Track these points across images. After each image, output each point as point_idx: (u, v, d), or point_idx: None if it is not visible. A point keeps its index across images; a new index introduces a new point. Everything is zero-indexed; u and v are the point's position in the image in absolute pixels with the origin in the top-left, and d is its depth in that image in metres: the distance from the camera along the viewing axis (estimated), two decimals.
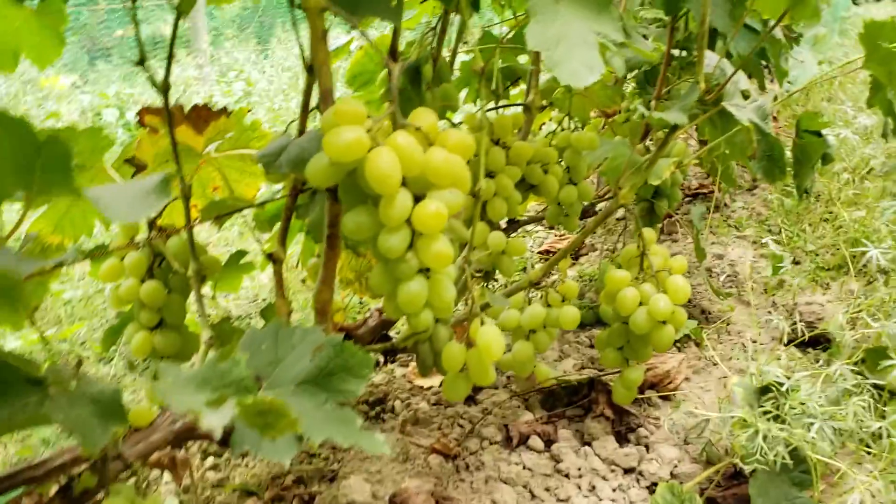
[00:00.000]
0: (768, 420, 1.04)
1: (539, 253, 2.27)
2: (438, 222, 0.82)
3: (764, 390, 1.10)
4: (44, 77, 4.00)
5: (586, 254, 2.28)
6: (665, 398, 1.46)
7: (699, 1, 1.15)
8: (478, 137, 1.33)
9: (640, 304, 1.19)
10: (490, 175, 1.35)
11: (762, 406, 1.07)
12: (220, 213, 1.07)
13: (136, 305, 1.13)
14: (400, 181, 0.80)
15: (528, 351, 1.32)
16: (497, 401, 1.46)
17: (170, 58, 1.05)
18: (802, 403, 1.02)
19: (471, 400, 1.48)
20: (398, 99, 1.17)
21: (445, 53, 1.38)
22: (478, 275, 1.45)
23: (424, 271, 0.88)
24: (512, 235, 2.28)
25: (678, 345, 1.67)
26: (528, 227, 2.52)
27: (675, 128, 1.15)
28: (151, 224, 1.13)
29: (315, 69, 0.88)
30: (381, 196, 0.81)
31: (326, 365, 0.87)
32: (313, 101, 1.07)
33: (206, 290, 1.34)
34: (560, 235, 2.44)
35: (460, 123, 1.39)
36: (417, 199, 0.85)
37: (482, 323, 1.02)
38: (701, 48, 1.17)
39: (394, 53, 1.17)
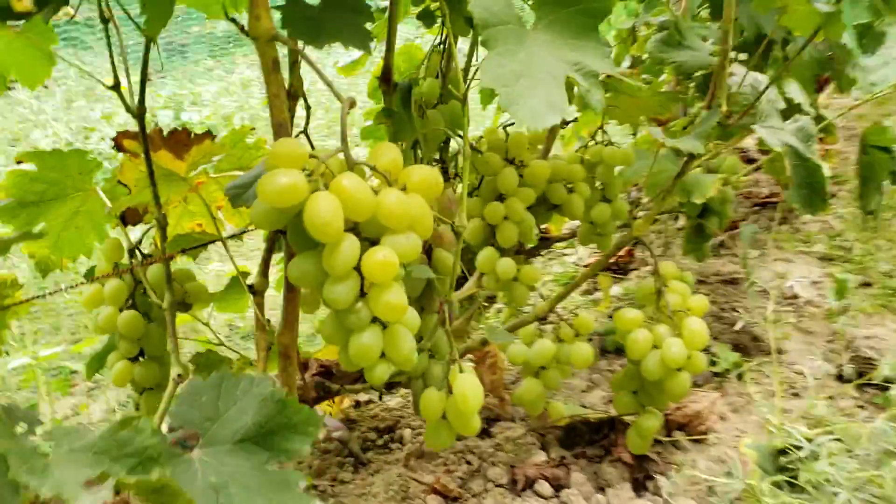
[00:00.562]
0: (784, 489, 0.92)
1: (584, 266, 2.16)
2: (387, 271, 0.75)
3: (784, 451, 0.98)
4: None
5: (636, 268, 2.16)
6: (696, 440, 1.35)
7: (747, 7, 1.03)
8: (487, 157, 1.26)
9: (655, 346, 1.09)
10: (501, 198, 1.26)
11: (780, 472, 0.96)
12: (185, 248, 1.02)
13: (116, 334, 1.09)
14: (341, 228, 0.73)
15: (537, 389, 1.23)
16: (512, 436, 1.37)
17: (143, 81, 1.00)
18: (826, 478, 0.90)
19: (484, 433, 1.40)
20: (393, 124, 1.10)
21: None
22: (485, 304, 1.36)
23: (379, 321, 0.80)
24: (544, 252, 2.17)
25: (718, 379, 1.54)
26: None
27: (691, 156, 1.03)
28: (132, 251, 1.09)
29: (269, 100, 0.81)
30: (325, 244, 0.74)
31: (266, 422, 0.80)
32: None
33: (207, 312, 1.30)
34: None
35: (481, 138, 1.31)
36: (374, 243, 0.78)
37: (460, 370, 0.94)
38: (722, 64, 1.05)
39: (387, 76, 1.09)
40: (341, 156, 0.77)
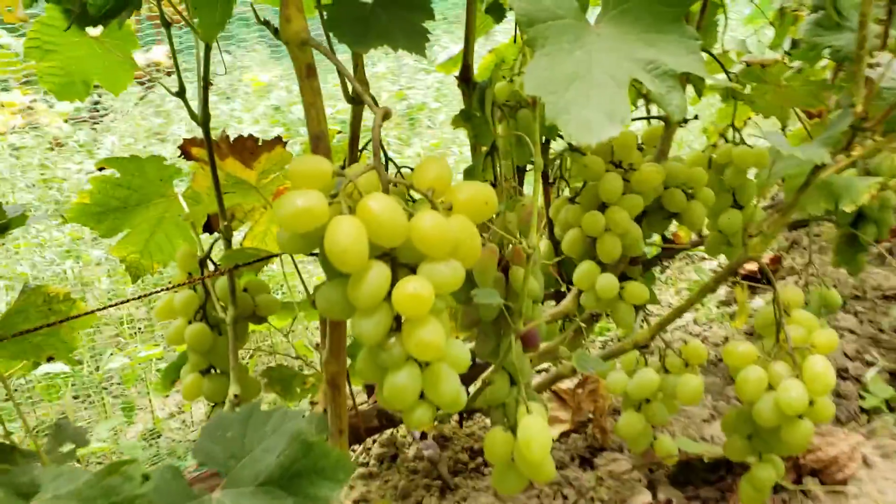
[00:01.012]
0: None
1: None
2: (419, 305, 0.65)
3: None
4: (250, 74, 4.16)
5: (782, 278, 1.93)
6: (832, 491, 1.16)
7: None
8: (588, 160, 1.13)
9: (770, 388, 0.93)
10: (603, 207, 1.12)
11: None
12: (239, 263, 0.96)
13: (187, 347, 1.06)
14: (365, 255, 0.63)
15: (638, 424, 1.09)
16: (616, 470, 1.24)
17: (205, 86, 0.96)
18: None
19: (586, 463, 1.28)
20: (473, 127, 1.00)
21: None
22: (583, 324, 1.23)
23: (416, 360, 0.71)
24: (677, 257, 1.99)
25: (866, 416, 1.33)
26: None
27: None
28: (202, 261, 1.05)
29: (304, 109, 0.73)
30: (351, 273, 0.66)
31: (292, 465, 0.73)
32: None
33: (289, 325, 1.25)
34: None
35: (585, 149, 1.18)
36: (413, 270, 0.69)
37: (527, 410, 0.83)
38: (859, 54, 0.87)
39: (466, 75, 0.99)
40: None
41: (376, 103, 0.68)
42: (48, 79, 1.05)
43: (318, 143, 0.73)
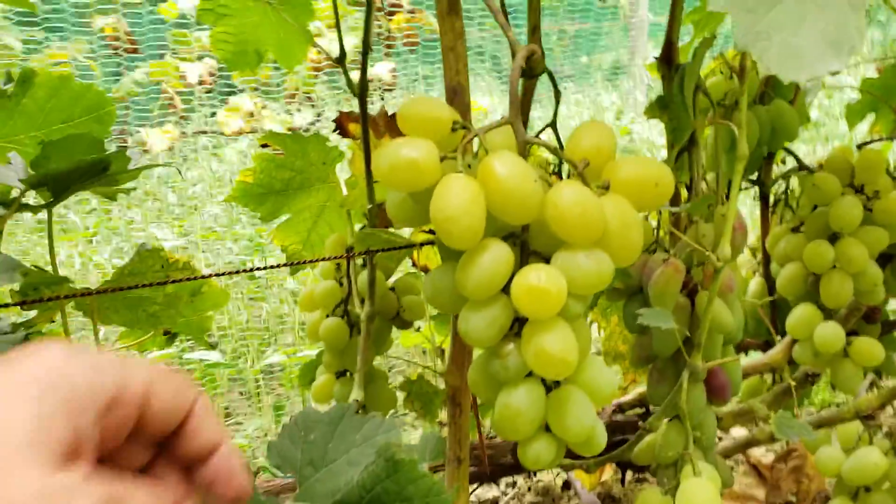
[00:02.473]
0: None
1: None
2: (544, 302, 0.50)
3: None
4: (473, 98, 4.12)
5: None
6: None
7: None
8: (820, 179, 0.91)
9: None
10: (833, 238, 0.90)
11: None
12: (372, 248, 0.85)
13: (323, 344, 0.96)
14: (479, 229, 0.49)
15: None
16: None
17: (365, 53, 0.86)
18: None
19: None
20: (670, 118, 0.84)
21: None
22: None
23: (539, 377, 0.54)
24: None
25: None
26: None
27: None
28: (350, 250, 0.95)
29: (443, 55, 0.60)
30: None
31: (374, 485, 0.59)
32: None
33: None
34: None
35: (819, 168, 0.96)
36: (547, 261, 0.53)
37: (694, 472, 0.64)
38: None
39: (668, 55, 0.82)
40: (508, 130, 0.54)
41: (513, 45, 0.54)
42: (221, 45, 1.01)
43: (455, 97, 0.60)
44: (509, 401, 0.54)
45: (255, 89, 3.54)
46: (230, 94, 3.59)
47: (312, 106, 3.72)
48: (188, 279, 0.77)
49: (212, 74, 3.57)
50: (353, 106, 0.91)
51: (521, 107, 0.80)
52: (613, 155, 0.55)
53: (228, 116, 3.38)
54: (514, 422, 0.54)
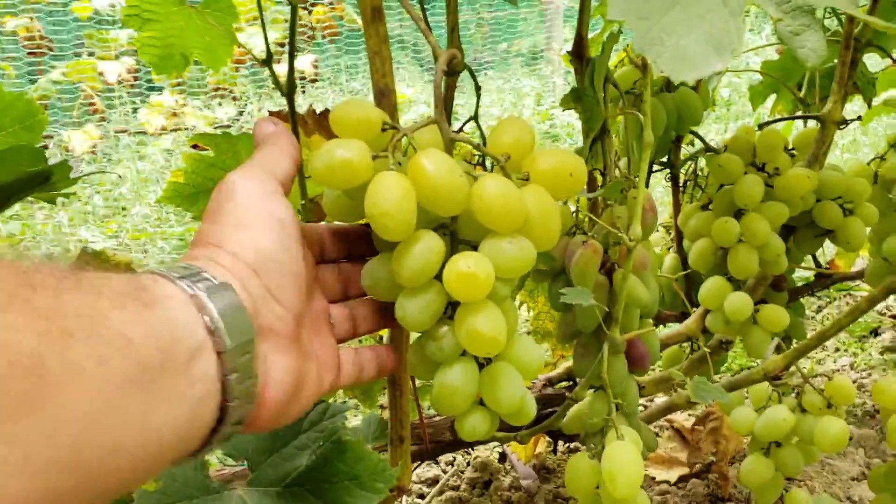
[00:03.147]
0: None
1: (892, 317, 1.71)
2: (472, 287, 0.54)
3: None
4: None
5: None
6: None
7: None
8: (724, 160, 0.98)
9: None
10: (739, 214, 0.97)
11: None
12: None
13: None
14: (411, 221, 0.53)
15: (765, 472, 0.92)
16: None
17: (291, 53, 0.89)
18: None
19: None
20: (584, 110, 0.89)
21: None
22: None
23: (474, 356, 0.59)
24: (819, 297, 1.76)
25: None
26: None
27: None
28: None
29: (369, 58, 0.64)
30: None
31: (323, 467, 0.63)
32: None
33: None
34: None
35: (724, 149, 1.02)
36: (476, 248, 0.58)
37: (618, 436, 0.70)
38: None
39: (579, 49, 0.87)
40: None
41: (435, 49, 0.58)
42: (147, 49, 1.02)
43: (383, 98, 0.63)
44: (445, 379, 0.58)
45: (177, 86, 3.50)
46: (152, 92, 3.53)
47: (235, 101, 3.69)
48: None
49: (131, 73, 3.51)
50: (277, 99, 0.93)
51: (445, 102, 0.84)
52: (532, 148, 0.60)
53: (150, 115, 3.33)
54: (451, 398, 0.58)
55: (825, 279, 1.26)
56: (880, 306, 1.79)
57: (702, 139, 1.04)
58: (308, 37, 3.75)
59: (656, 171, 1.08)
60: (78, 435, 0.34)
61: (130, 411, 0.37)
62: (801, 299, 1.25)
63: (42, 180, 0.61)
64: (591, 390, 0.84)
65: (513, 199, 0.54)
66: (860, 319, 1.68)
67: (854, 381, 1.50)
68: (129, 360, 0.36)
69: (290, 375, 0.49)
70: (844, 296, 1.87)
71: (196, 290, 0.43)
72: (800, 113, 1.24)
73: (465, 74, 0.78)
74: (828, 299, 1.88)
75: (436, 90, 0.57)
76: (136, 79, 3.48)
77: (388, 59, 0.64)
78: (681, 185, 1.10)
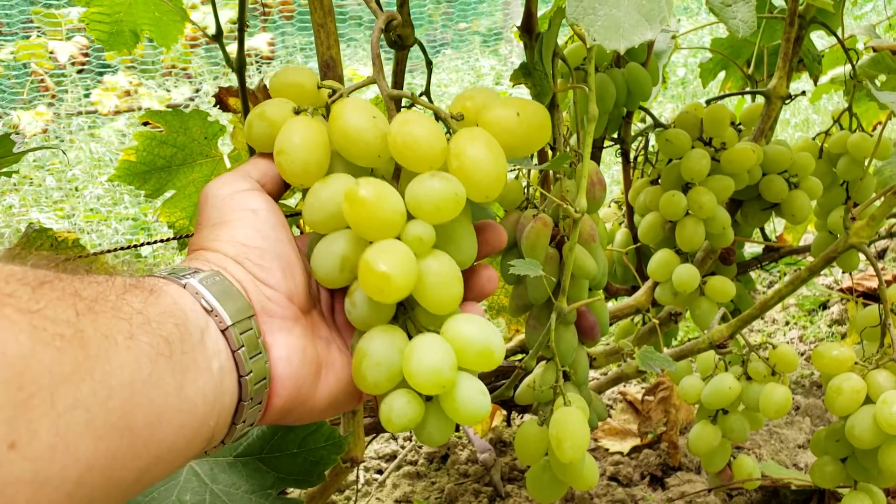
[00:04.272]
0: None
1: (840, 291, 1.75)
2: (370, 216, 0.50)
3: None
4: (353, 68, 4.13)
5: None
6: None
7: None
8: (672, 135, 0.99)
9: (868, 401, 0.77)
10: (686, 188, 0.98)
11: None
12: None
13: None
14: (318, 164, 0.53)
15: (712, 439, 0.94)
16: (689, 491, 1.09)
17: (241, 28, 0.88)
18: None
19: (657, 482, 1.13)
20: (534, 85, 0.89)
21: None
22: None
23: (401, 317, 0.56)
24: (768, 271, 1.80)
25: None
26: None
27: None
28: None
29: (314, 31, 0.64)
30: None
31: (273, 437, 0.64)
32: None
33: None
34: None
35: (671, 124, 1.04)
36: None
37: (565, 402, 0.71)
38: None
39: (528, 24, 0.88)
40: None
41: (375, 12, 0.59)
42: (95, 26, 1.01)
43: (328, 71, 0.64)
44: (365, 348, 0.53)
45: (131, 67, 3.44)
46: (104, 72, 3.47)
47: (190, 81, 3.64)
48: (77, 257, 0.78)
49: (83, 54, 3.44)
50: (232, 79, 0.93)
51: (396, 76, 0.85)
52: (485, 109, 0.57)
53: (103, 96, 3.28)
54: (372, 371, 0.52)
55: (773, 252, 1.29)
56: (829, 280, 1.84)
57: (651, 115, 1.06)
58: (263, 15, 3.72)
59: (608, 146, 1.09)
60: (126, 400, 0.37)
61: (165, 381, 0.40)
62: (753, 275, 1.28)
63: None
64: (544, 362, 0.85)
65: (425, 129, 0.51)
66: (809, 294, 1.73)
67: (802, 353, 1.54)
68: (153, 335, 0.40)
69: (298, 354, 0.51)
70: (794, 270, 1.91)
71: (187, 280, 0.46)
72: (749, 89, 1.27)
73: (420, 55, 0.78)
74: (778, 274, 1.92)
75: (373, 48, 0.57)
76: (87, 56, 3.42)
77: (334, 32, 0.64)
78: (631, 160, 1.12)
